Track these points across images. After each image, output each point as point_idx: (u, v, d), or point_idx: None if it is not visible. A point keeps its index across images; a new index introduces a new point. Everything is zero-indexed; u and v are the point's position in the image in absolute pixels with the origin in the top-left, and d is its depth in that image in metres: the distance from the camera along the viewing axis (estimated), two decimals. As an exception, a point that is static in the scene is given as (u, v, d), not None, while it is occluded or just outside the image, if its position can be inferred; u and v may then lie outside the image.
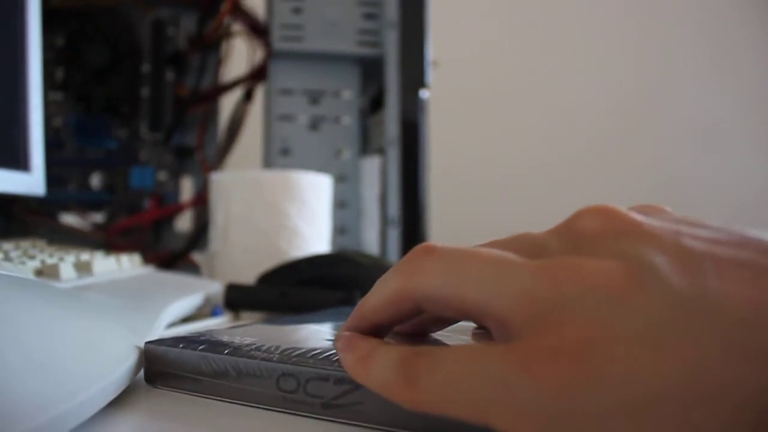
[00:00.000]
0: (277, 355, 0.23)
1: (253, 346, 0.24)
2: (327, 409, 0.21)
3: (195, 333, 0.27)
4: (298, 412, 0.22)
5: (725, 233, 0.17)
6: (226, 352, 0.23)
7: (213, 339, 0.25)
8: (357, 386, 0.20)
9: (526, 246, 0.19)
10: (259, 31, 0.71)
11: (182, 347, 0.24)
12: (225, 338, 0.25)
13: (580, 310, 0.16)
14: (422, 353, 0.18)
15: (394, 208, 0.68)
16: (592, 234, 0.18)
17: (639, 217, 0.18)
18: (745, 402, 0.14)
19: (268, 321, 0.33)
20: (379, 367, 0.19)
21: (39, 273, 0.33)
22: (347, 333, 0.21)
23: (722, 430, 0.14)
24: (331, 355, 0.22)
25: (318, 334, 0.27)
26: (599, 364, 0.15)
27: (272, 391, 0.22)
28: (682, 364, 0.14)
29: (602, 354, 0.15)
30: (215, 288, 0.46)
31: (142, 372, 0.25)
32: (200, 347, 0.24)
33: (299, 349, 0.23)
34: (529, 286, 0.17)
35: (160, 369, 0.25)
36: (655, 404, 0.14)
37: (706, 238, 0.17)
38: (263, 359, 0.23)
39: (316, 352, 0.23)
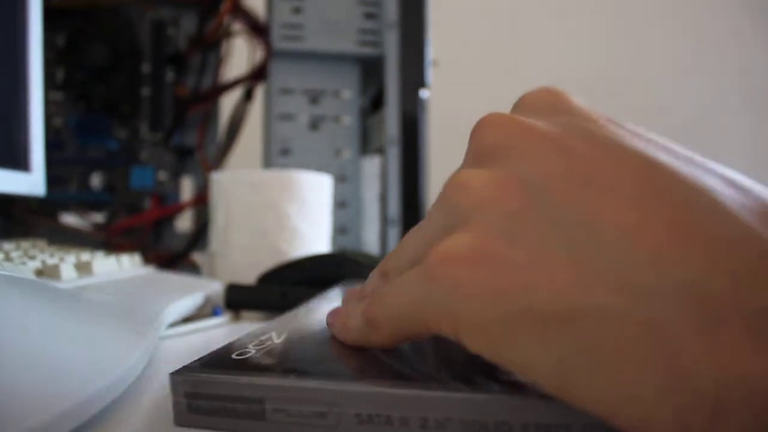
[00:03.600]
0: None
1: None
2: None
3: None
4: None
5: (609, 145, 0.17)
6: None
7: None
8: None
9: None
10: (259, 30, 0.71)
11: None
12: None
13: (474, 221, 0.18)
14: (373, 299, 0.21)
15: (394, 208, 0.68)
16: (488, 148, 0.19)
17: (528, 125, 0.19)
18: (623, 319, 0.15)
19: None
20: (353, 326, 0.22)
21: (39, 273, 0.33)
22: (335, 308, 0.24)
23: (612, 344, 0.15)
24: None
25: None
26: (487, 274, 0.16)
27: None
28: (563, 282, 0.15)
29: (489, 265, 0.17)
30: (215, 288, 0.46)
31: (142, 374, 0.25)
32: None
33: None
34: (433, 208, 0.20)
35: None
36: (547, 317, 0.15)
37: (591, 154, 0.17)
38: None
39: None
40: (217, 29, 0.70)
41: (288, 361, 0.21)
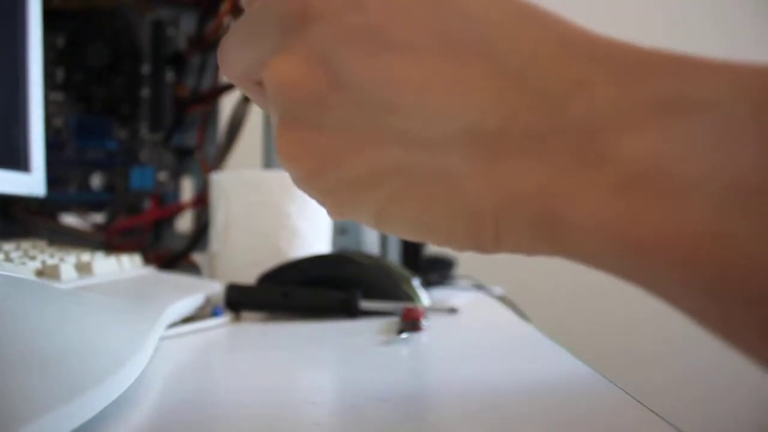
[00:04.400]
0: None
1: None
2: None
3: None
4: None
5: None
6: None
7: None
8: None
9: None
10: (259, 31, 0.71)
11: None
12: None
13: (283, 111, 0.19)
14: None
15: (395, 208, 0.68)
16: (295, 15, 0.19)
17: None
18: (414, 170, 0.18)
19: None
20: None
21: (40, 274, 0.33)
22: None
23: (410, 192, 0.18)
24: None
25: None
26: (303, 162, 0.20)
27: None
28: (365, 152, 0.18)
29: (303, 152, 0.19)
30: (216, 288, 0.46)
31: (142, 374, 0.25)
32: None
33: None
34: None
35: None
36: (359, 184, 0.19)
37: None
38: None
39: None
40: (216, 29, 0.70)
41: None
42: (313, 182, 0.20)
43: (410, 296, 0.48)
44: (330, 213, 0.21)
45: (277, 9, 0.19)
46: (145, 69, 0.70)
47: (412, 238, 0.20)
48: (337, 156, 0.19)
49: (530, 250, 0.18)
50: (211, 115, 0.74)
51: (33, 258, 0.35)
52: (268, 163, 0.70)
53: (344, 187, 0.19)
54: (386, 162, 0.18)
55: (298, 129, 0.19)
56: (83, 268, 0.37)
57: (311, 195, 0.21)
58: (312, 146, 0.19)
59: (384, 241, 0.68)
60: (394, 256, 0.67)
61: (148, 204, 0.70)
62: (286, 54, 0.19)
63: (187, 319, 0.40)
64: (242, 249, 0.55)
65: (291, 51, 0.19)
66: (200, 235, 0.67)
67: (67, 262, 0.36)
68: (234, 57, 0.21)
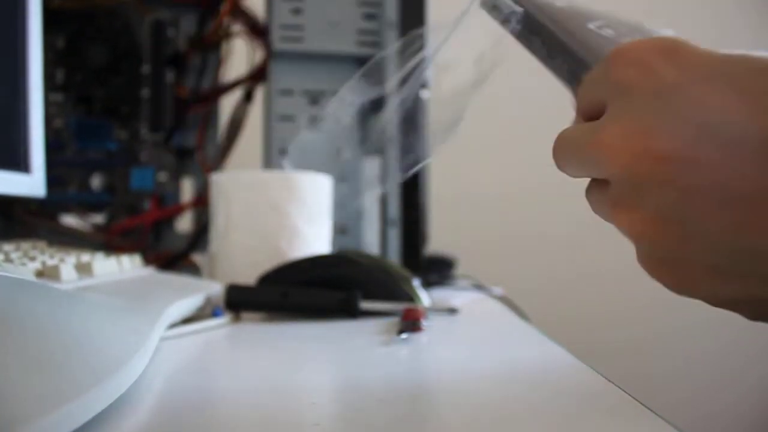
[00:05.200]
0: None
1: None
2: None
3: None
4: None
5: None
6: None
7: None
8: None
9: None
10: (258, 31, 0.71)
11: None
12: None
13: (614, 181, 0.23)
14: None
15: (394, 208, 0.68)
16: (625, 87, 0.22)
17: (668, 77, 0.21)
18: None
19: None
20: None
21: (40, 274, 0.33)
22: None
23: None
24: None
25: None
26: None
27: None
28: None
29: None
30: (216, 289, 0.46)
31: (142, 375, 0.25)
32: None
33: None
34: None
35: None
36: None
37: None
38: None
39: None
40: (216, 30, 0.70)
41: None
42: (691, 295, 0.22)
43: (410, 296, 0.48)
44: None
45: (609, 169, 0.22)
46: (145, 69, 0.70)
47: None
48: (709, 285, 0.21)
49: None
50: (211, 116, 0.74)
51: (33, 259, 0.35)
52: (268, 163, 0.70)
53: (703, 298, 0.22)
54: (747, 292, 0.21)
55: (662, 263, 0.22)
56: (83, 269, 0.37)
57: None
58: (682, 276, 0.22)
59: (384, 241, 0.68)
60: (394, 256, 0.67)
61: (148, 204, 0.70)
62: (630, 212, 0.22)
63: (188, 320, 0.40)
64: (242, 249, 0.55)
65: (634, 209, 0.22)
66: (200, 236, 0.67)
67: (67, 262, 0.36)
68: (569, 169, 0.26)
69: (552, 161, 0.27)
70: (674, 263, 0.22)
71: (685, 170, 0.20)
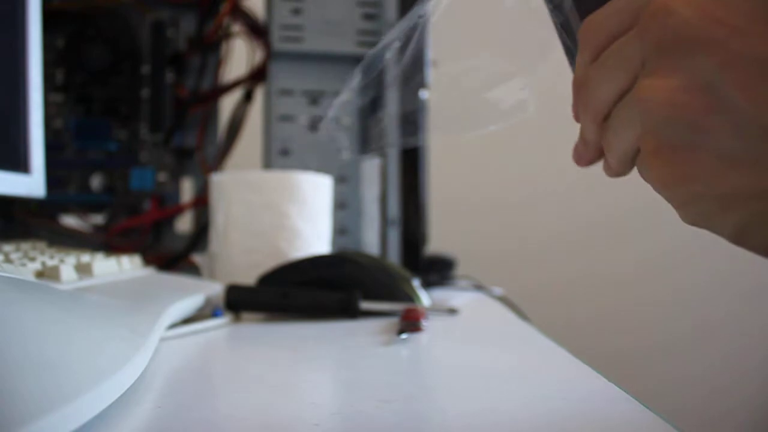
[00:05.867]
0: None
1: None
2: None
3: None
4: None
5: None
6: None
7: None
8: None
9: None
10: (258, 31, 0.71)
11: None
12: None
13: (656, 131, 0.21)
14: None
15: (394, 208, 0.68)
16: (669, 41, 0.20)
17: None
18: None
19: None
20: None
21: (40, 275, 0.33)
22: None
23: None
24: None
25: None
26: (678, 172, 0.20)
27: None
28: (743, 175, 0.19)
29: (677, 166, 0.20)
30: (216, 289, 0.46)
31: (142, 375, 0.25)
32: None
33: None
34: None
35: None
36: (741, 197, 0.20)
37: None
38: None
39: None
40: (216, 30, 0.70)
41: None
42: (678, 191, 0.21)
43: (410, 296, 0.48)
44: (684, 219, 0.22)
45: (651, 38, 0.20)
46: (145, 70, 0.70)
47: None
48: (711, 175, 0.20)
49: None
50: (211, 116, 0.74)
51: (33, 259, 0.35)
52: (268, 163, 0.70)
53: (710, 201, 0.20)
54: (759, 184, 0.19)
55: (673, 148, 0.20)
56: (83, 269, 0.37)
57: (669, 200, 0.22)
58: (687, 165, 0.20)
59: (384, 241, 0.68)
60: (394, 256, 0.68)
61: (147, 205, 0.70)
62: (663, 79, 0.20)
63: (187, 320, 0.40)
64: (242, 250, 0.55)
65: (668, 75, 0.20)
66: (200, 236, 0.67)
67: (67, 263, 0.36)
68: (597, 91, 0.23)
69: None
70: (686, 149, 0.20)
71: (734, 36, 0.19)
